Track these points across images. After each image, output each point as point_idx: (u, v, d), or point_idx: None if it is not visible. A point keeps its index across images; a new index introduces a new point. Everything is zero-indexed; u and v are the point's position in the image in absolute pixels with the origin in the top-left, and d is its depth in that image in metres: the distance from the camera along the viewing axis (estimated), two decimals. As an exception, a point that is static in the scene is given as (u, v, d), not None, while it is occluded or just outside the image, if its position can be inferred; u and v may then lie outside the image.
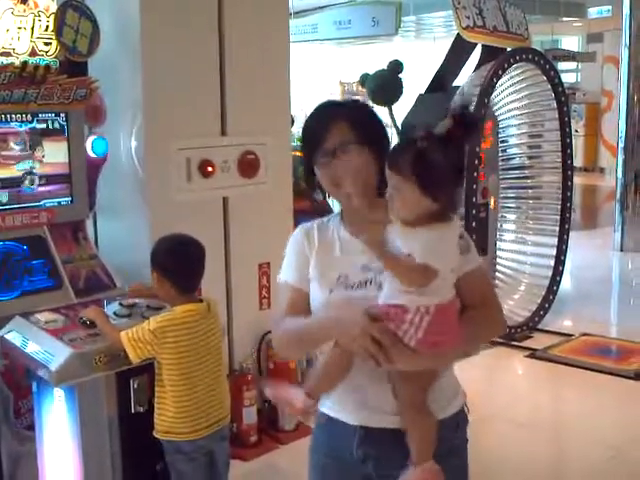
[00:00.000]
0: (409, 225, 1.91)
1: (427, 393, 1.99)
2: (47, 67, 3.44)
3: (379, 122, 2.17)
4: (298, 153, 5.60)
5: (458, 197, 2.02)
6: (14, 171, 3.48)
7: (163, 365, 2.96)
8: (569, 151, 6.74)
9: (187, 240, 3.11)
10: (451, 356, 2.01)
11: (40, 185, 3.57)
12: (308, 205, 5.64)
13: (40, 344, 2.98)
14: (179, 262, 3.04)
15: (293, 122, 5.98)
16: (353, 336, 1.88)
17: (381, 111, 6.83)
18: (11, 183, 3.48)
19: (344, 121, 2.06)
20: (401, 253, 1.90)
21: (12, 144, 3.46)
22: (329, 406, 2.14)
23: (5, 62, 3.34)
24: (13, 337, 3.10)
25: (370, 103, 6.38)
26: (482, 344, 2.07)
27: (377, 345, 1.85)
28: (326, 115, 2.13)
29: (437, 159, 1.87)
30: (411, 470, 1.98)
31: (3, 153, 3.44)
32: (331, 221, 2.19)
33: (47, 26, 3.46)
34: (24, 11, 3.40)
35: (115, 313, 3.19)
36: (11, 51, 3.37)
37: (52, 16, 3.47)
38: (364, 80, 7.81)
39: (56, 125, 3.58)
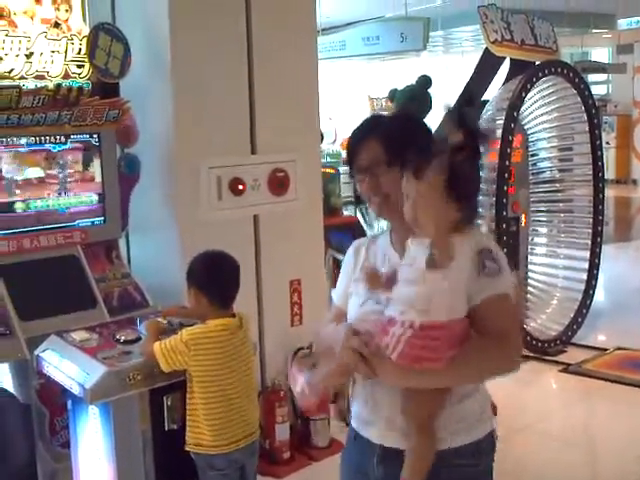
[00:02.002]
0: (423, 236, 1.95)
1: (435, 417, 1.97)
2: (80, 89, 3.51)
3: (417, 137, 2.09)
4: (328, 170, 5.64)
5: (476, 208, 2.03)
6: (48, 191, 3.55)
7: (194, 377, 2.99)
8: (600, 163, 6.69)
9: (222, 256, 3.16)
10: (438, 378, 1.91)
11: (73, 205, 3.62)
12: (339, 221, 5.65)
13: (75, 362, 3.02)
14: (215, 277, 3.09)
15: (322, 139, 6.01)
16: (340, 347, 1.96)
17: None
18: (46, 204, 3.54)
19: (376, 139, 2.07)
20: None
21: (47, 165, 3.53)
22: (357, 423, 2.17)
23: (39, 85, 3.40)
24: (49, 355, 3.14)
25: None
26: (488, 376, 2.01)
27: (359, 356, 1.92)
28: (361, 131, 2.14)
29: (463, 166, 1.91)
30: None
31: (47, 173, 3.51)
32: (381, 236, 2.21)
33: (80, 49, 3.53)
34: (57, 35, 3.46)
35: (148, 331, 3.22)
36: (45, 74, 3.44)
37: (84, 39, 3.53)
38: (393, 95, 7.83)
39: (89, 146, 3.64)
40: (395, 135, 2.08)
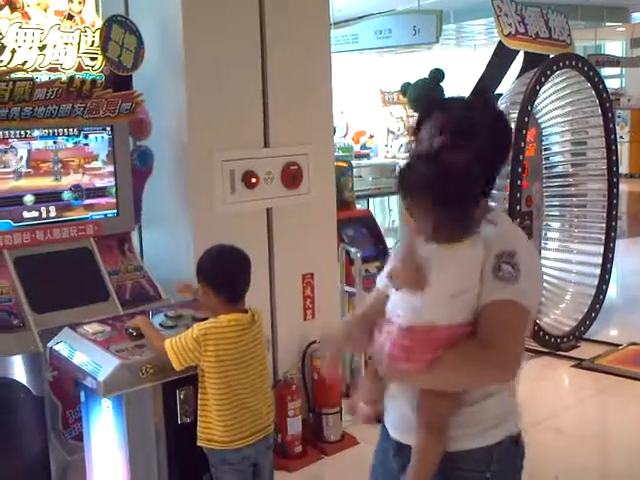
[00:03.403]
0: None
1: (446, 418, 1.96)
2: (93, 82, 3.50)
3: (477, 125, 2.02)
4: (341, 163, 5.63)
5: (462, 218, 1.87)
6: (62, 184, 3.55)
7: (205, 372, 2.96)
8: (614, 158, 6.65)
9: (232, 251, 3.11)
10: (421, 379, 1.92)
11: (87, 198, 3.63)
12: (352, 215, 5.63)
13: (88, 355, 3.02)
14: (223, 274, 3.05)
15: (334, 132, 5.99)
16: None
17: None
18: (59, 196, 3.54)
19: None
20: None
21: (59, 158, 3.53)
22: (385, 414, 2.18)
23: (53, 77, 3.40)
24: (62, 348, 3.14)
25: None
26: (472, 383, 1.96)
27: None
28: (422, 114, 2.16)
29: (419, 179, 1.88)
30: None
31: (53, 167, 3.52)
32: None
33: (93, 41, 3.52)
34: (70, 27, 3.46)
35: (161, 324, 3.21)
36: (58, 67, 3.43)
37: (98, 31, 3.52)
38: (405, 89, 7.81)
39: (102, 139, 3.64)
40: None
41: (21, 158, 3.43)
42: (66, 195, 3.57)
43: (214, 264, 3.08)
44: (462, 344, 1.88)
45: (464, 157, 1.86)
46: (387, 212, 11.62)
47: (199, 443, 3.01)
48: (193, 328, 2.95)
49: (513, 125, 5.75)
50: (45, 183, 3.51)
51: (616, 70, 19.04)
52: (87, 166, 3.63)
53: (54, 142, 3.51)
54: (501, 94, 6.23)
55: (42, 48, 3.35)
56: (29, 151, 3.45)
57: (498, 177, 6.06)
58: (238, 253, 3.11)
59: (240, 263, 3.10)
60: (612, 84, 18.16)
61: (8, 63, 3.26)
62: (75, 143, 3.57)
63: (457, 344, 1.88)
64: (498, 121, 2.10)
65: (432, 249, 1.88)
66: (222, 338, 2.94)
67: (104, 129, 3.64)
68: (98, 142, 3.64)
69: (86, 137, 3.60)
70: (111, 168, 3.70)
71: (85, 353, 3.04)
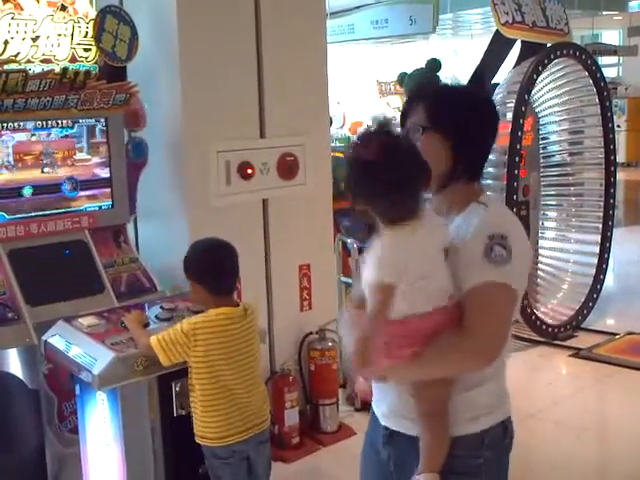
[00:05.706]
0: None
1: (445, 404, 1.95)
2: (87, 73, 3.48)
3: (463, 107, 2.01)
4: (337, 154, 5.61)
5: (400, 202, 1.85)
6: (56, 176, 3.53)
7: (193, 368, 2.91)
8: (612, 147, 6.63)
9: (217, 244, 3.06)
10: (405, 372, 1.93)
11: (81, 190, 3.61)
12: (348, 205, 5.61)
13: (83, 348, 3.00)
14: (209, 267, 3.00)
15: (331, 123, 5.97)
16: None
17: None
18: (53, 188, 3.52)
19: (422, 102, 2.03)
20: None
21: (54, 150, 3.51)
22: (373, 400, 2.18)
23: (46, 69, 3.37)
24: (57, 341, 3.12)
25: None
26: (454, 372, 1.95)
27: None
28: (413, 94, 2.14)
29: (353, 165, 1.90)
30: (415, 478, 1.98)
31: (47, 159, 3.49)
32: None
33: (86, 32, 3.50)
34: (64, 18, 3.43)
35: (157, 316, 3.20)
36: (52, 58, 3.41)
37: (91, 22, 3.50)
38: (402, 79, 7.79)
39: (96, 130, 3.62)
40: (439, 101, 2.07)
41: (7, 149, 3.39)
42: (61, 187, 3.54)
43: (199, 258, 3.04)
44: (440, 336, 1.87)
45: (380, 146, 1.84)
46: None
47: (196, 439, 2.98)
48: (182, 323, 2.91)
49: (510, 114, 5.74)
50: (38, 175, 3.48)
51: (613, 59, 19.02)
52: (75, 157, 3.59)
53: (32, 134, 3.46)
54: (498, 83, 6.21)
55: (35, 39, 3.33)
56: (8, 142, 3.39)
57: (495, 166, 5.98)
58: (222, 245, 3.06)
59: (225, 254, 3.04)
60: (609, 73, 18.12)
61: (1, 54, 3.24)
62: (57, 135, 3.53)
63: (438, 333, 1.87)
64: (469, 98, 2.08)
65: (383, 237, 1.88)
66: (211, 332, 2.89)
67: (98, 120, 3.61)
68: (81, 133, 3.60)
69: (70, 128, 3.56)
70: (98, 159, 3.66)
71: (80, 346, 3.02)
